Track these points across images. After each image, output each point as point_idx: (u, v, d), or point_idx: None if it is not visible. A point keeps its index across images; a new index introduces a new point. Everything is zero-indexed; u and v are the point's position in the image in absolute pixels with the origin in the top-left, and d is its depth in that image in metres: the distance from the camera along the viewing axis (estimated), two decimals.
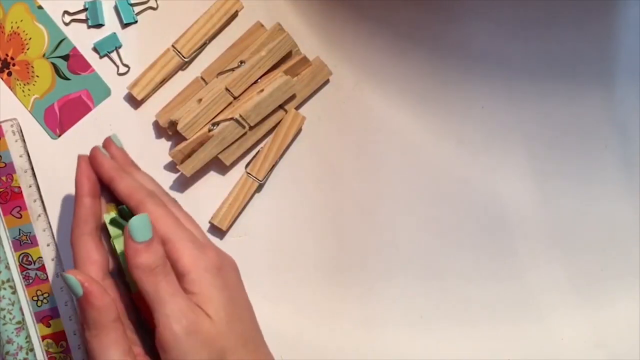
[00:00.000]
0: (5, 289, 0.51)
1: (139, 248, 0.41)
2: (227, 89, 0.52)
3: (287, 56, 0.53)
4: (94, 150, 0.47)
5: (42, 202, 0.52)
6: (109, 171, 0.46)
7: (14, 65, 0.52)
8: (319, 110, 0.55)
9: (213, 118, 0.52)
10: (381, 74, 0.55)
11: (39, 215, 0.52)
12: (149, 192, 0.45)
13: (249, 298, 0.46)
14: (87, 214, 0.45)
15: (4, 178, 0.51)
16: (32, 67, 0.52)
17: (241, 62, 0.52)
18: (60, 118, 0.53)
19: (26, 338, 0.51)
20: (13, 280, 0.51)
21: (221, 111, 0.52)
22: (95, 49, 0.53)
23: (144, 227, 0.42)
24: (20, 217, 0.51)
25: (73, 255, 0.45)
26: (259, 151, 0.53)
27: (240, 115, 0.51)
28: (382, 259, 0.55)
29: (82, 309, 0.41)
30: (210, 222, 0.53)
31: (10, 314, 0.50)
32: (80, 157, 0.47)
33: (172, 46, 0.52)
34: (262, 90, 0.51)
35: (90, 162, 0.46)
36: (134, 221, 0.41)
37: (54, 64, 0.52)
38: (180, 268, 0.43)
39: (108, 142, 0.49)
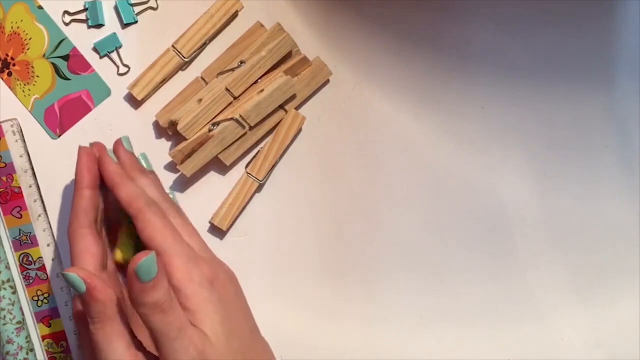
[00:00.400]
0: (5, 289, 0.51)
1: (146, 287, 0.40)
2: (227, 89, 0.52)
3: (287, 56, 0.53)
4: (102, 154, 0.47)
5: (42, 202, 0.52)
6: (112, 176, 0.46)
7: (14, 65, 0.52)
8: (319, 110, 0.55)
9: (213, 118, 0.52)
10: (381, 74, 0.55)
11: (39, 215, 0.52)
12: (148, 200, 0.45)
13: (248, 307, 0.46)
14: (86, 206, 0.45)
15: (4, 178, 0.51)
16: (32, 67, 0.52)
17: (241, 62, 0.52)
18: (60, 118, 0.52)
19: (26, 338, 0.51)
20: (13, 280, 0.51)
21: (221, 111, 0.52)
22: (95, 49, 0.53)
23: (151, 266, 0.40)
24: (20, 217, 0.51)
25: (70, 246, 0.45)
26: (259, 151, 0.53)
27: (240, 115, 0.51)
28: (382, 258, 0.55)
29: (85, 304, 0.41)
30: (210, 222, 0.53)
31: (11, 314, 0.50)
32: (81, 149, 0.47)
33: (172, 46, 0.52)
34: (262, 90, 0.51)
35: (99, 164, 0.47)
36: (142, 265, 0.39)
37: (54, 64, 0.52)
38: (174, 282, 0.42)
39: (118, 144, 0.49)
